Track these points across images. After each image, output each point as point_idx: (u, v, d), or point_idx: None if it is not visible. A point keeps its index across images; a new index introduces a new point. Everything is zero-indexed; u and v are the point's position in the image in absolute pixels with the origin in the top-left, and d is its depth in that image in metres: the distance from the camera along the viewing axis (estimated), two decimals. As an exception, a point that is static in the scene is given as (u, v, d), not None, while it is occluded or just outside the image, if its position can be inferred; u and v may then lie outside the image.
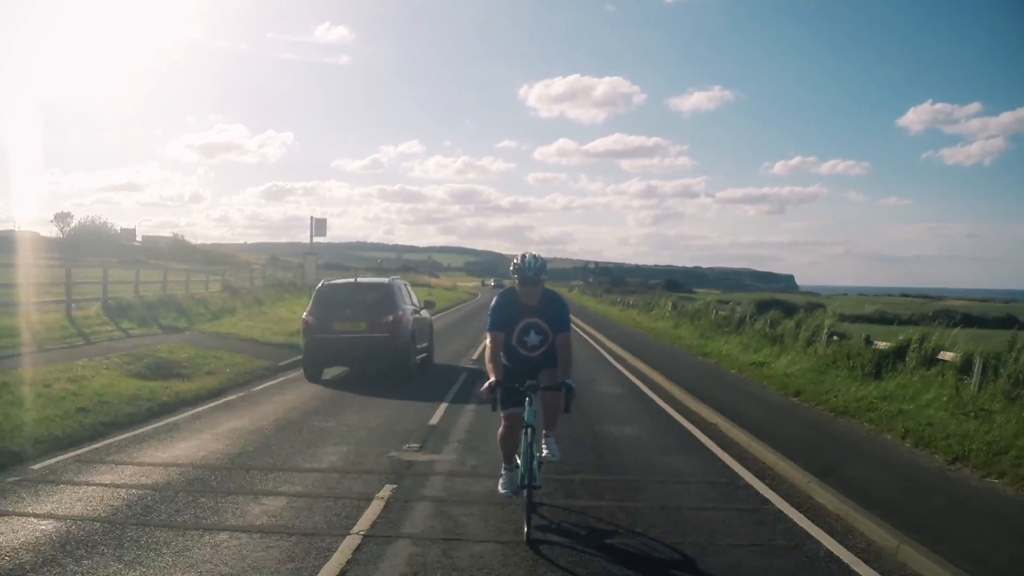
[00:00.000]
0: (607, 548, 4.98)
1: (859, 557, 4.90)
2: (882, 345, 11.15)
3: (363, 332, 11.79)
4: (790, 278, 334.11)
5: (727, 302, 29.54)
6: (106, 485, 6.13)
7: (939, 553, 4.73)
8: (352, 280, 13.99)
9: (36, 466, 6.64)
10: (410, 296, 13.53)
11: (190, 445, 7.62)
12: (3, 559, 4.54)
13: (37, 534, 4.95)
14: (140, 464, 6.85)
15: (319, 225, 23.82)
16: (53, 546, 4.74)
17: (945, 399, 8.77)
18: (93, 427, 8.00)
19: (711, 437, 8.54)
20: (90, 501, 5.71)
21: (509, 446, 5.42)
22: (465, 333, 22.30)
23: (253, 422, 8.80)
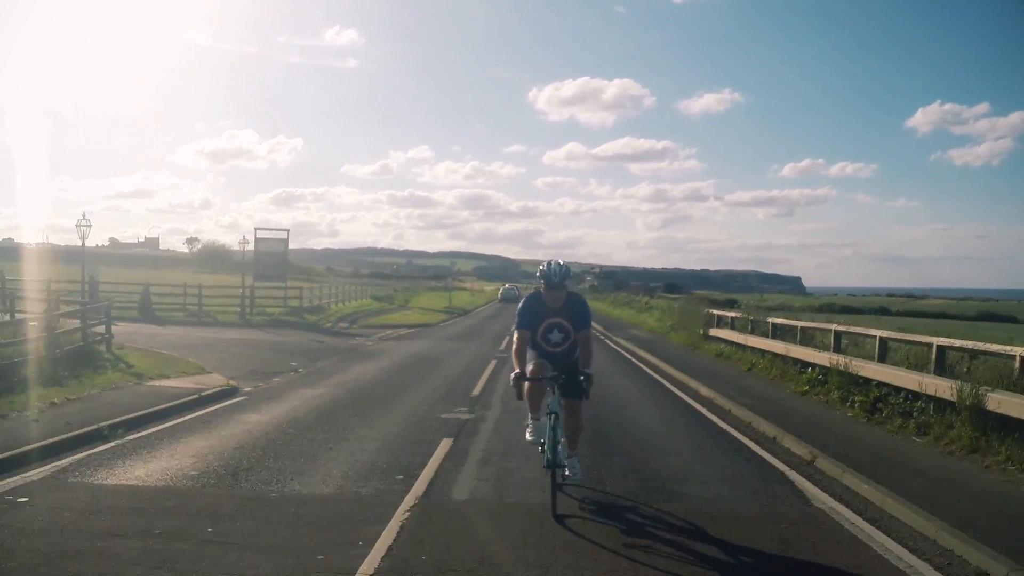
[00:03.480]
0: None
1: (611, 342, 31.16)
2: (649, 302, 37.70)
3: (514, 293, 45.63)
4: (797, 280, 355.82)
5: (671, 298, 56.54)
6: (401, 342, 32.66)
7: (621, 335, 31.28)
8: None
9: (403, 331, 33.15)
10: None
11: (441, 333, 34.14)
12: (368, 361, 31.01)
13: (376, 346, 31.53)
14: (424, 338, 33.37)
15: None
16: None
17: (647, 317, 35.35)
18: (424, 323, 34.48)
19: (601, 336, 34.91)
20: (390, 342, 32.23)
21: (534, 399, 6.38)
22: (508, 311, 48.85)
23: (457, 328, 35.27)
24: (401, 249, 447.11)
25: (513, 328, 6.34)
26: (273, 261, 31.67)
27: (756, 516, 6.21)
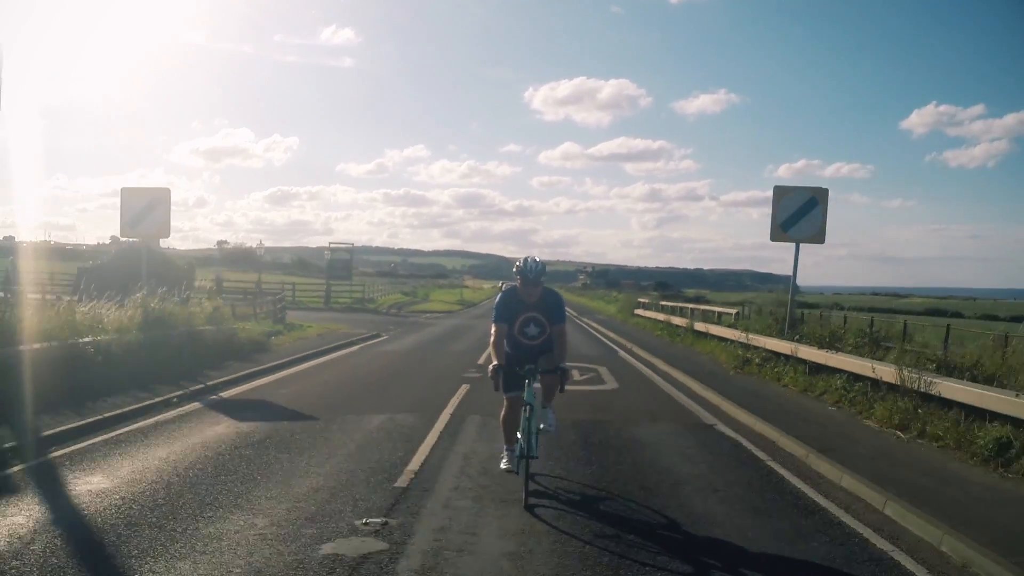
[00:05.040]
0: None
1: (579, 320, 44.83)
2: (617, 296, 51.49)
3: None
4: (789, 279, 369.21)
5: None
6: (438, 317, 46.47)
7: (588, 317, 45.07)
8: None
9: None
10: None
11: (464, 316, 47.89)
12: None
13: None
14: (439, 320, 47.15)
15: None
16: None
17: (611, 306, 49.16)
18: (448, 310, 48.21)
19: (574, 318, 48.52)
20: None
21: (510, 426, 6.77)
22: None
23: (473, 313, 48.89)
24: (396, 248, 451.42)
25: (491, 322, 6.73)
26: (341, 265, 45.28)
27: (596, 355, 19.99)
